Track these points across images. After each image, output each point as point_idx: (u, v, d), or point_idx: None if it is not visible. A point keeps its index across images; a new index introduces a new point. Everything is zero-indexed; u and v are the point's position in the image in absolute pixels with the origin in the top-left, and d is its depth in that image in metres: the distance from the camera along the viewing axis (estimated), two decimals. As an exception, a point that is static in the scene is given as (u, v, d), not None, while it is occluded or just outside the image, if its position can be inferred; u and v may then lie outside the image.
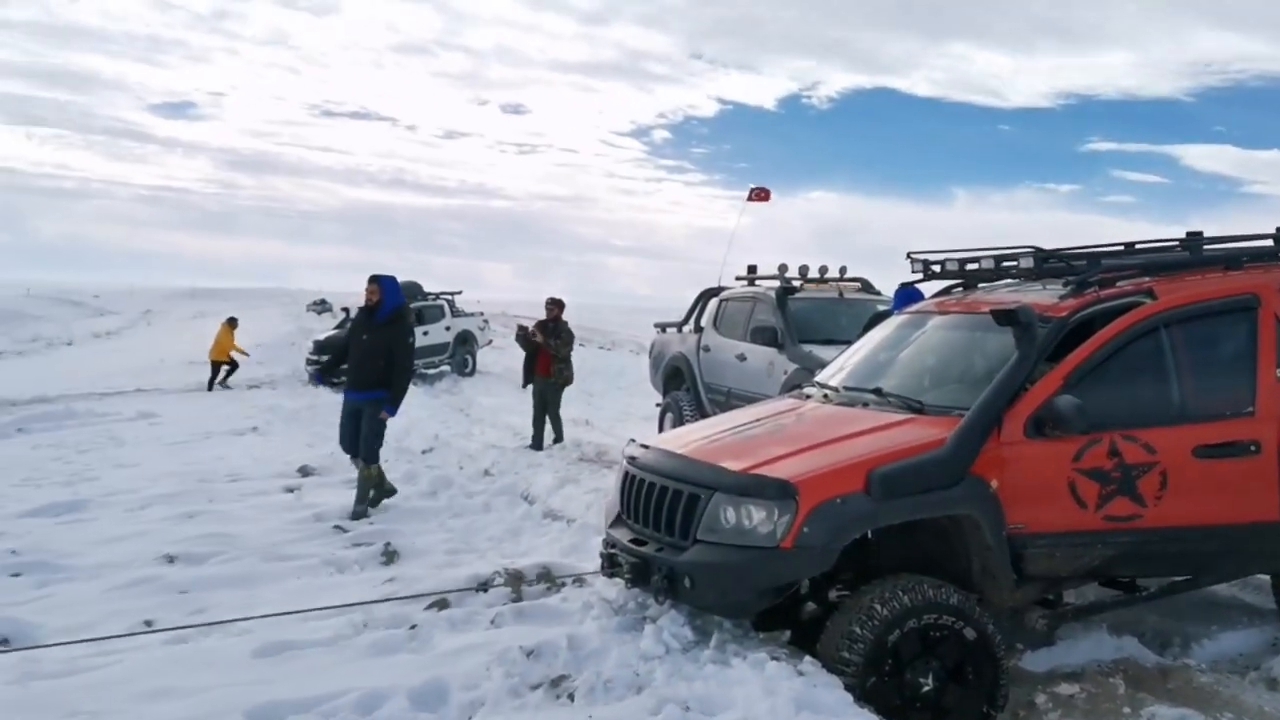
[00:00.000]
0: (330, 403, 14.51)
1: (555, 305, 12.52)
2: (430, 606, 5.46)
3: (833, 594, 4.91)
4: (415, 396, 19.46)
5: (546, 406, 12.43)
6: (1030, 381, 4.89)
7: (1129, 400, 4.93)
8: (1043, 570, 4.81)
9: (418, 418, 15.80)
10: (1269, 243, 5.96)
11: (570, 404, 15.54)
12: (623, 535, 5.18)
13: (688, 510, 4.74)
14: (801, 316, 10.02)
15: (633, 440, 5.63)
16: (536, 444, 12.24)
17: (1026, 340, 4.96)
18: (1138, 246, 5.91)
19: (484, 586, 5.78)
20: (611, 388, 22.32)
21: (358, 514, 8.16)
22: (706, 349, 11.32)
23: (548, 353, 12.34)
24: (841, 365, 6.15)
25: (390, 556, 6.68)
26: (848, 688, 4.25)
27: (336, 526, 7.57)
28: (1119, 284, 5.41)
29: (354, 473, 8.60)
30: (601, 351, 34.15)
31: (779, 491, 4.49)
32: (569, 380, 12.63)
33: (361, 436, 8.49)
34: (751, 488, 4.58)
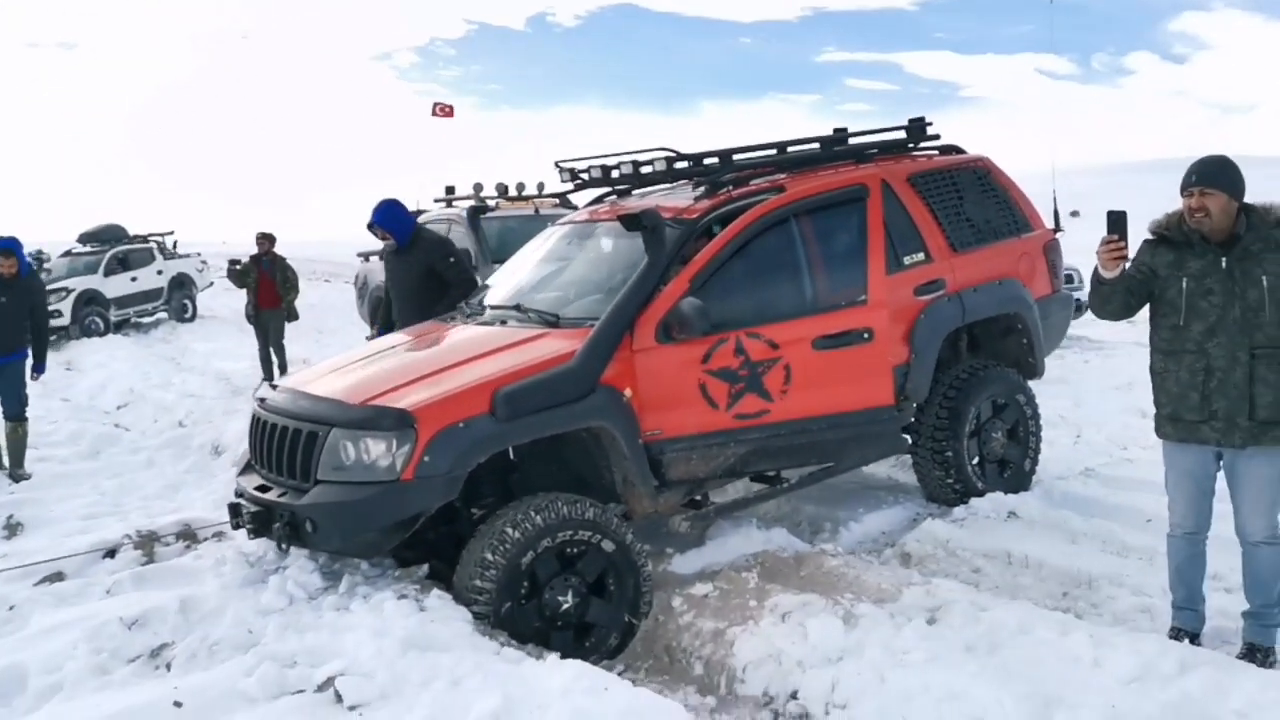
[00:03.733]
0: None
1: (266, 239, 12.29)
2: (41, 582, 4.91)
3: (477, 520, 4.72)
4: (122, 348, 18.02)
5: (269, 340, 12.15)
6: (664, 286, 4.81)
7: (753, 297, 4.95)
8: (682, 474, 4.80)
9: (118, 370, 14.58)
10: (901, 135, 6.13)
11: (296, 342, 14.81)
12: (250, 483, 4.80)
13: (307, 449, 4.41)
14: (496, 236, 9.72)
15: (266, 380, 5.22)
16: (266, 374, 11.88)
17: (654, 244, 4.88)
18: (790, 149, 5.92)
19: (111, 553, 5.26)
20: (345, 323, 21.36)
21: (19, 476, 7.62)
22: (406, 275, 10.86)
23: (270, 285, 12.16)
24: (494, 283, 5.91)
25: (12, 530, 6.00)
26: (480, 616, 4.10)
27: (-39, 501, 6.77)
28: (753, 183, 5.41)
29: None
30: (328, 286, 32.73)
31: (396, 421, 4.22)
32: (294, 315, 12.53)
33: (8, 397, 7.77)
34: (368, 420, 4.30)
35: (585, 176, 5.89)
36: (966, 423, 5.66)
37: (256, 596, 4.33)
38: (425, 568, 4.61)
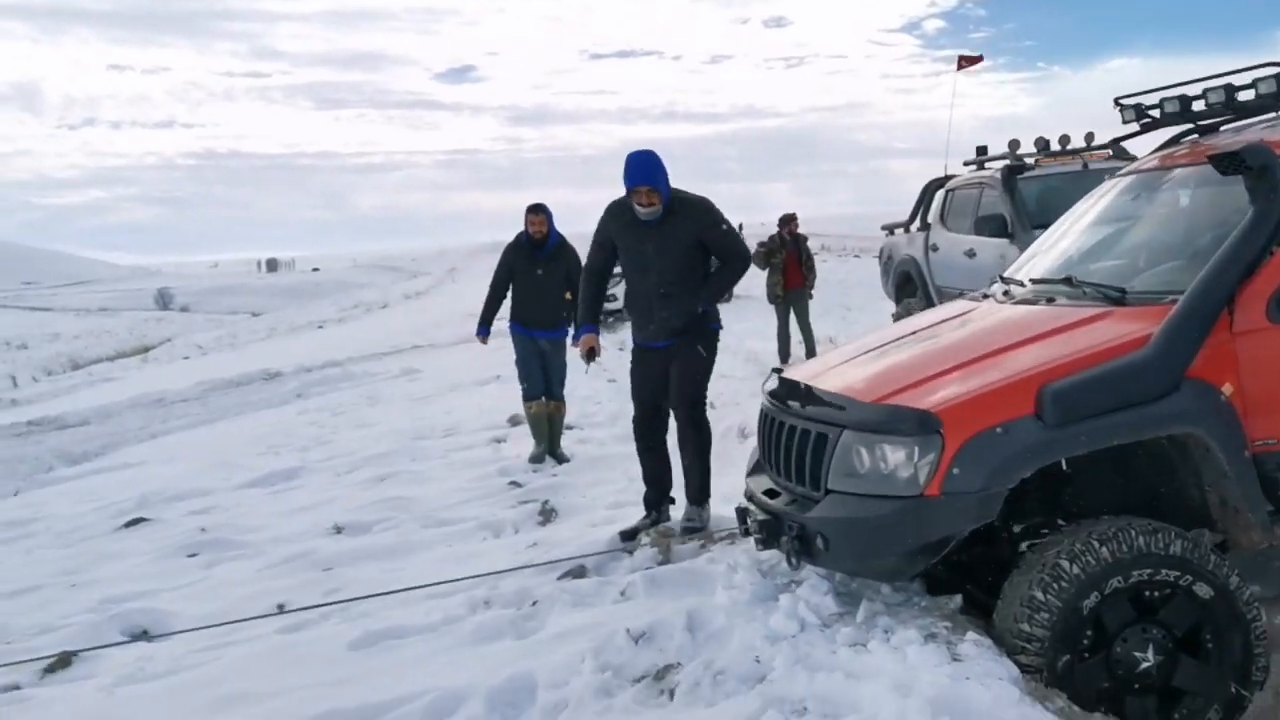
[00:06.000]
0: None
1: (789, 220, 12.65)
2: (564, 576, 4.88)
3: (1024, 546, 3.86)
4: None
5: (795, 317, 12.42)
6: (1277, 246, 3.60)
7: None
8: (1311, 498, 3.55)
9: (663, 352, 15.36)
10: None
11: (821, 319, 14.73)
12: (759, 485, 4.37)
13: (817, 453, 3.84)
14: (1035, 198, 8.58)
15: (775, 370, 4.76)
16: (784, 357, 11.98)
17: (1263, 191, 3.65)
18: None
19: (629, 549, 5.14)
20: (874, 298, 20.97)
21: (561, 457, 7.93)
22: (935, 247, 10.04)
23: (796, 264, 12.44)
24: (1035, 252, 4.93)
25: (547, 516, 6.16)
26: (1028, 669, 3.30)
27: (513, 483, 7.16)
28: None
29: None
30: (856, 261, 32.46)
31: (918, 425, 3.51)
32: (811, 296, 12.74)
33: (554, 378, 8.12)
34: (885, 422, 3.63)
35: (1156, 114, 4.70)
36: None
37: (765, 618, 3.86)
38: (958, 598, 3.85)
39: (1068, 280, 4.18)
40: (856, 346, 4.63)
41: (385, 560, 5.63)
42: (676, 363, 5.51)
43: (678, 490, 5.69)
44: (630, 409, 9.43)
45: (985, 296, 4.65)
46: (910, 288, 10.66)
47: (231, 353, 29.88)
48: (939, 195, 10.43)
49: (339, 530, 6.38)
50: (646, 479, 5.72)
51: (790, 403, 4.18)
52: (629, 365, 5.83)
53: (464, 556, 5.49)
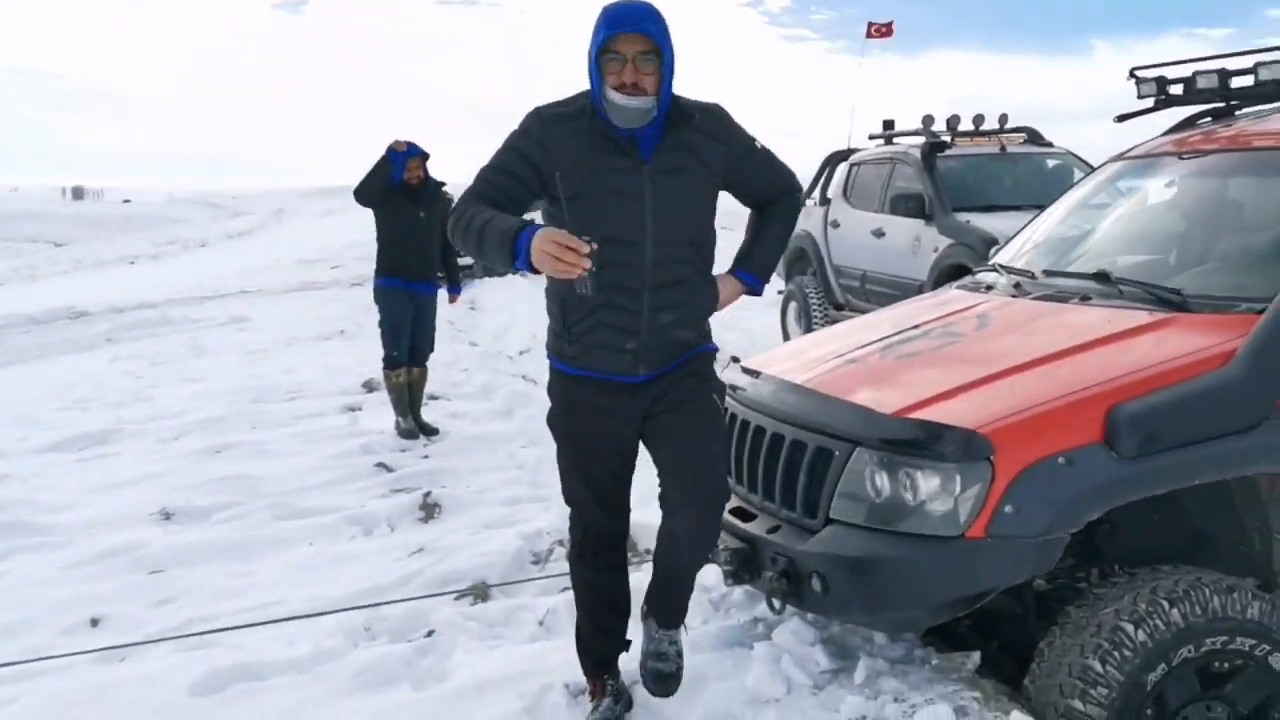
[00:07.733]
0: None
1: None
2: (463, 596, 3.99)
3: (1041, 585, 3.23)
4: (521, 287, 18.12)
5: None
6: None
7: None
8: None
9: (520, 314, 14.38)
10: None
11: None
12: (721, 502, 3.57)
13: (814, 472, 3.08)
14: (954, 178, 8.11)
15: (734, 360, 3.97)
16: None
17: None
18: None
19: (536, 559, 4.29)
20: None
21: (429, 428, 7.00)
22: (835, 224, 9.48)
23: None
24: (1032, 239, 4.29)
25: (429, 511, 5.21)
26: (1082, 755, 2.65)
27: (380, 464, 6.16)
28: None
29: None
30: (724, 231, 32.18)
31: (961, 447, 2.77)
32: None
33: (424, 340, 7.22)
34: (915, 440, 2.87)
35: (1176, 90, 4.12)
36: None
37: (740, 673, 3.10)
38: (976, 656, 3.18)
39: (1102, 276, 3.53)
40: (841, 338, 3.88)
41: (229, 560, 4.59)
42: (681, 422, 2.91)
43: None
44: (502, 381, 8.51)
45: (986, 288, 3.96)
46: (803, 264, 10.08)
47: (30, 285, 27.14)
48: (841, 169, 9.87)
49: (167, 516, 5.26)
50: (594, 624, 3.07)
51: (771, 404, 3.40)
52: (554, 415, 3.02)
53: (331, 561, 4.51)
